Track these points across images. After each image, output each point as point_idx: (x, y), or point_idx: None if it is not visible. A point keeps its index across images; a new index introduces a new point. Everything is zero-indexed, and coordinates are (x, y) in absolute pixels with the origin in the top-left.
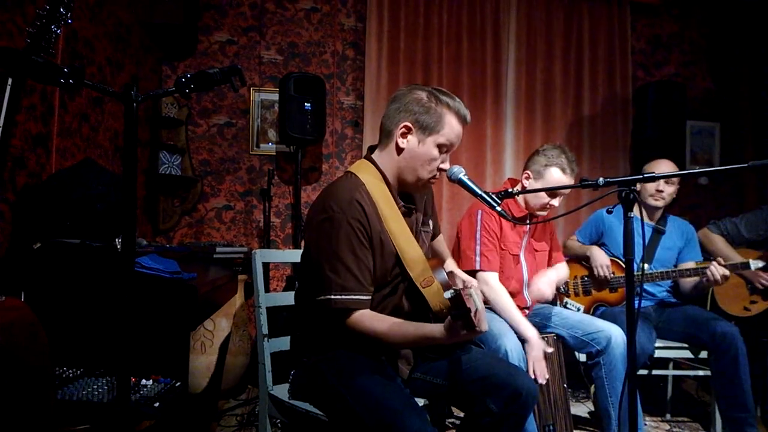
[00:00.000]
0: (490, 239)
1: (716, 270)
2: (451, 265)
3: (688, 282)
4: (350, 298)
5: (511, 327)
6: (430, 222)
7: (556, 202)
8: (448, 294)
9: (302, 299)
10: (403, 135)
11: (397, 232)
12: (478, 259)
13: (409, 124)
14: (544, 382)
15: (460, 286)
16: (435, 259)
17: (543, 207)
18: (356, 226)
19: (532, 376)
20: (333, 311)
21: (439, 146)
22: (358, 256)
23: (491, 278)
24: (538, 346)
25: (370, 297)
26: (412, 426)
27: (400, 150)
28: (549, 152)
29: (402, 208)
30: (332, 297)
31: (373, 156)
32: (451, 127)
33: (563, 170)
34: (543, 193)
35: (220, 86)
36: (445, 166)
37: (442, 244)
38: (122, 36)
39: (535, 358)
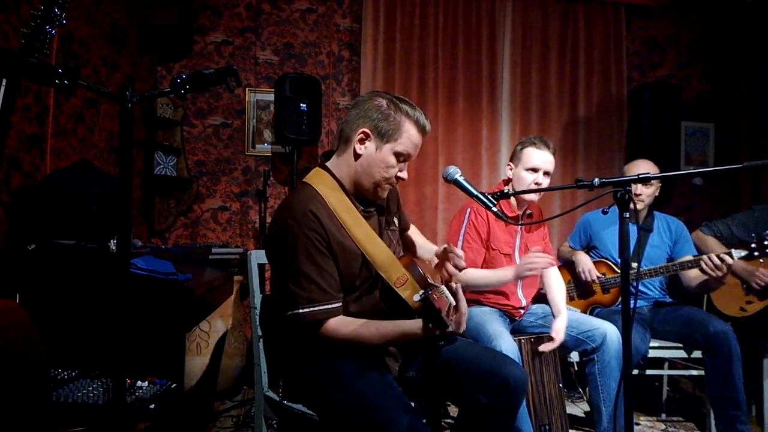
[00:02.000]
0: (474, 238)
1: (709, 260)
2: (429, 248)
3: (694, 279)
4: (318, 309)
5: (499, 284)
6: (395, 219)
7: (539, 178)
8: (416, 297)
9: (275, 310)
10: (361, 141)
11: (362, 237)
12: None
13: (367, 131)
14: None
15: (442, 277)
16: (407, 256)
17: (529, 188)
18: (313, 236)
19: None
20: (304, 325)
21: (396, 154)
22: (319, 265)
23: (467, 272)
24: (519, 268)
25: (339, 304)
26: (403, 424)
27: (357, 156)
28: (521, 140)
29: (362, 212)
30: (300, 311)
31: (329, 163)
32: (409, 136)
33: (534, 145)
34: (524, 175)
35: (215, 87)
36: (403, 174)
37: (414, 234)
38: (118, 36)
39: (524, 270)
